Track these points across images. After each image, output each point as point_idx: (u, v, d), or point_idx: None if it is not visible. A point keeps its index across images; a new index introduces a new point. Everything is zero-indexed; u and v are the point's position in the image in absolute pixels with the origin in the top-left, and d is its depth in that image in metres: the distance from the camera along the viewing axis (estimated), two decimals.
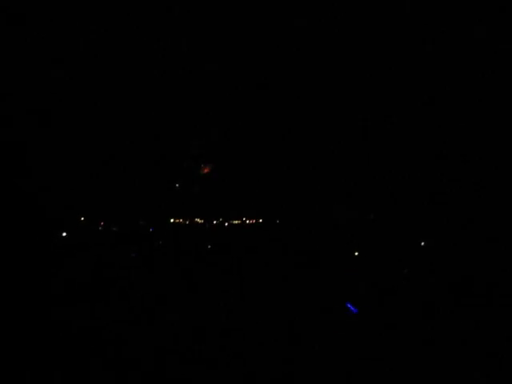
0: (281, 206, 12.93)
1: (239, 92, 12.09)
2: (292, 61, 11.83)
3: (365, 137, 12.18)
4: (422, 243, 11.63)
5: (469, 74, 11.27)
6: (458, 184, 11.50)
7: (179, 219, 13.06)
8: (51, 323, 6.00)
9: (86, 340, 5.77)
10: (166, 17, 11.42)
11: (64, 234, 11.16)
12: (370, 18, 11.40)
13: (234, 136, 12.61)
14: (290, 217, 13.00)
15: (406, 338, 7.16)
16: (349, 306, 8.02)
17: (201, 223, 13.19)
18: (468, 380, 6.00)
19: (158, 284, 9.09)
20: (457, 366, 6.24)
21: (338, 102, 12.02)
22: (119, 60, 11.68)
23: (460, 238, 10.90)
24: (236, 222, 13.26)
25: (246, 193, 13.02)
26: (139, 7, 11.08)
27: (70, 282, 7.83)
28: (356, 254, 12.18)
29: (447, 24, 11.08)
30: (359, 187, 12.40)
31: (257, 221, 13.23)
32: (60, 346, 5.36)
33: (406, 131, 11.87)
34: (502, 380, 5.92)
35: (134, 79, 11.94)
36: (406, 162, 11.97)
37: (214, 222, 13.18)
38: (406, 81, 11.63)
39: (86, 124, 11.87)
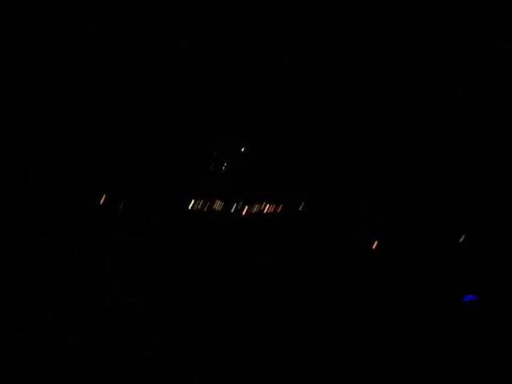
0: (302, 193, 12.94)
1: (258, 92, 12.02)
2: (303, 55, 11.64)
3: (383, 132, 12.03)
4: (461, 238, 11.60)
5: (469, 74, 10.94)
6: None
7: (200, 201, 13.18)
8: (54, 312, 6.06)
9: (90, 333, 5.80)
10: (166, 18, 11.27)
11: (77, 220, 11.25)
12: (369, 18, 11.07)
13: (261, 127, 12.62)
14: (311, 204, 13.00)
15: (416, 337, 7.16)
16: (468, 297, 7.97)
17: (221, 206, 13.28)
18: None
19: (174, 270, 9.13)
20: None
21: (362, 99, 11.84)
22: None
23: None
24: (256, 206, 13.30)
25: (268, 179, 13.05)
26: (143, 9, 10.91)
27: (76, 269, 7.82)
28: (374, 245, 12.15)
29: (447, 24, 10.68)
30: (378, 181, 12.31)
31: (277, 206, 13.26)
32: (62, 339, 5.43)
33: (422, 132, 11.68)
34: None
35: (151, 73, 11.91)
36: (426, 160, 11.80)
37: (234, 206, 13.25)
38: (415, 77, 11.33)
39: (109, 114, 11.91)
